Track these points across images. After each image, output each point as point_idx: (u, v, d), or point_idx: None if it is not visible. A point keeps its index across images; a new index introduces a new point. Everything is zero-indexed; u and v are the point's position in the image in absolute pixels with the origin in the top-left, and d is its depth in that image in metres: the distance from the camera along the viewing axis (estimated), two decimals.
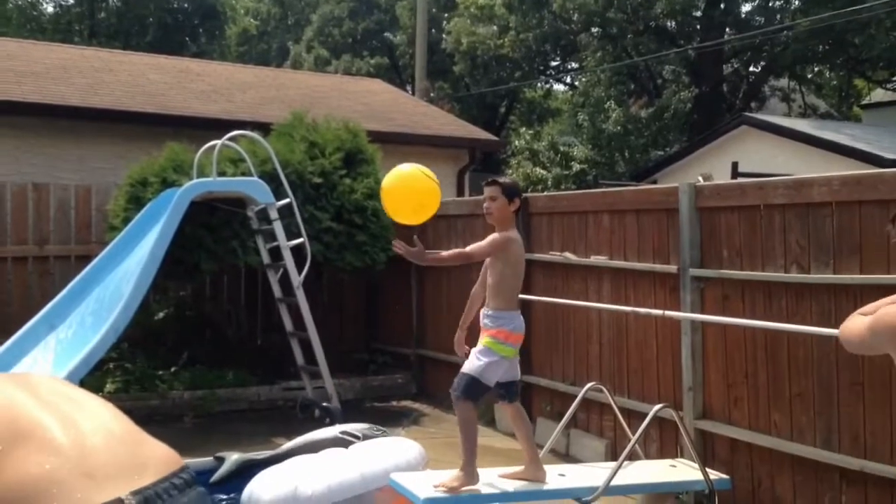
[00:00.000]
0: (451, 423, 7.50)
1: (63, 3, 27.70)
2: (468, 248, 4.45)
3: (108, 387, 7.48)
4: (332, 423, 6.38)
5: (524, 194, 7.78)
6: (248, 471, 5.49)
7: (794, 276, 4.67)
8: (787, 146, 13.59)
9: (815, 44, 19.71)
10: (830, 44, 19.79)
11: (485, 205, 4.53)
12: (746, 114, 17.11)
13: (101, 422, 1.74)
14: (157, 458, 1.72)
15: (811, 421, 4.60)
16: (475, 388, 4.30)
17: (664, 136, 18.31)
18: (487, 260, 4.48)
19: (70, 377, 5.77)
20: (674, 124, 18.35)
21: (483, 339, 4.36)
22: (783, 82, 23.23)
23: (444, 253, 4.53)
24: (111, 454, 1.65)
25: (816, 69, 23.19)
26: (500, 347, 4.33)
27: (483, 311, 4.47)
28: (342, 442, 5.37)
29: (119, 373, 7.81)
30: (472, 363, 4.32)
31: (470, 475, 4.26)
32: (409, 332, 8.69)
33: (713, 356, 5.22)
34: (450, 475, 4.28)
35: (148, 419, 7.25)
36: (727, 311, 5.08)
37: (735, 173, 11.61)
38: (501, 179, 4.57)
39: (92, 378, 7.24)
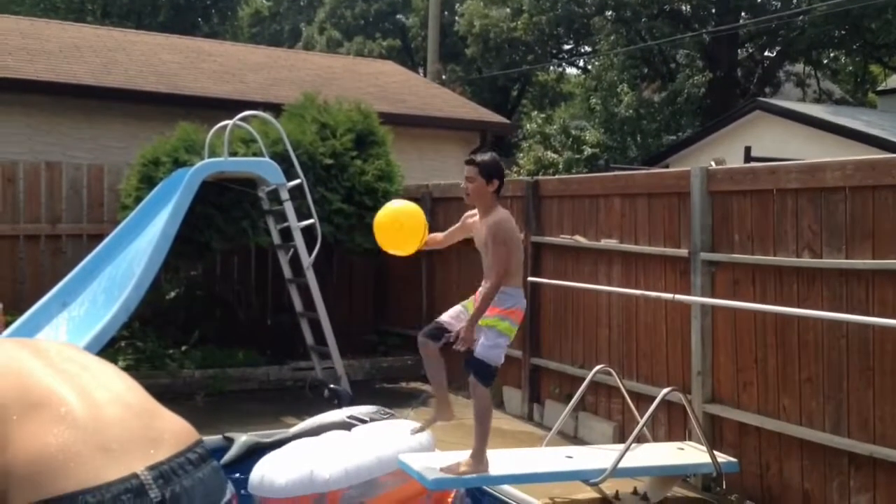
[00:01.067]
0: (459, 406, 7.49)
1: None
2: (495, 273, 4.22)
3: (120, 364, 7.49)
4: (340, 406, 6.41)
5: (535, 177, 7.77)
6: (256, 453, 5.52)
7: (806, 260, 4.65)
8: (802, 131, 13.49)
9: (831, 29, 19.50)
10: (846, 29, 19.59)
11: (462, 184, 4.41)
12: (760, 99, 16.97)
13: (116, 393, 1.74)
14: (173, 432, 1.72)
15: (820, 406, 4.59)
16: (491, 373, 4.30)
17: (677, 121, 18.19)
18: (482, 237, 4.31)
19: None
20: (687, 109, 18.21)
21: (493, 320, 4.25)
22: (798, 67, 23.01)
23: (485, 296, 4.26)
24: (126, 427, 1.64)
25: (832, 54, 22.96)
26: (507, 327, 4.26)
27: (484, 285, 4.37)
28: (349, 426, 5.39)
29: (130, 351, 7.87)
30: (488, 350, 4.23)
31: (480, 461, 4.26)
32: (418, 314, 8.70)
33: (723, 340, 5.21)
34: (459, 459, 4.27)
35: (159, 397, 7.18)
36: (738, 295, 5.06)
37: (748, 158, 11.53)
38: (479, 158, 4.35)
39: (103, 356, 7.25)
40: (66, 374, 1.73)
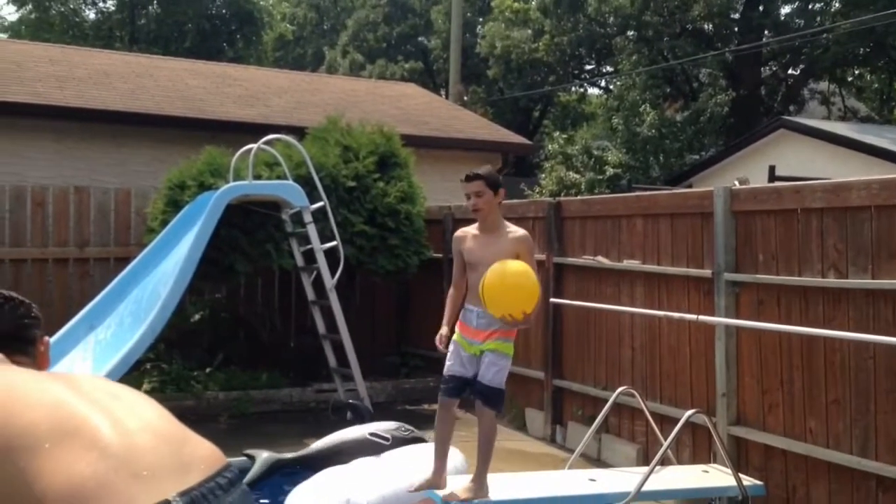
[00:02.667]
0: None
1: (104, 9, 28.19)
2: (538, 287, 4.19)
3: (145, 386, 7.59)
4: (360, 422, 6.40)
5: (557, 198, 7.78)
6: (278, 471, 5.53)
7: (832, 280, 4.61)
8: (827, 150, 13.38)
9: (856, 46, 19.38)
10: (871, 46, 19.45)
11: (471, 202, 4.32)
12: (784, 117, 16.87)
13: (146, 421, 1.76)
14: (202, 458, 1.74)
15: (847, 428, 4.53)
16: (502, 398, 4.29)
17: (700, 140, 18.11)
18: (494, 251, 4.24)
19: (109, 377, 5.88)
20: (710, 128, 18.13)
21: (494, 343, 4.21)
22: (823, 85, 22.86)
23: (533, 313, 4.20)
24: (157, 454, 1.66)
25: (857, 72, 22.80)
26: (508, 347, 4.28)
27: (475, 310, 4.27)
28: (371, 444, 5.37)
29: (156, 373, 7.93)
30: (496, 375, 4.20)
31: (481, 487, 4.21)
32: None
33: (748, 362, 5.16)
34: (461, 486, 4.23)
35: (183, 419, 7.24)
36: (762, 316, 5.02)
37: (772, 177, 11.46)
38: (483, 171, 4.33)
39: (129, 378, 7.36)
40: (97, 404, 1.76)
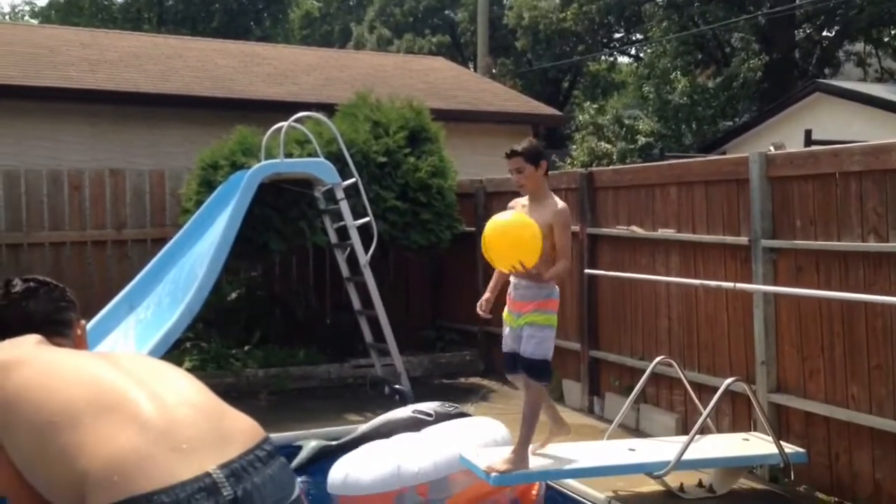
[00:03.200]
0: (519, 399, 7.47)
1: None
2: (565, 255, 4.25)
3: (186, 365, 7.71)
4: (404, 404, 6.44)
5: (588, 168, 7.72)
6: (324, 458, 5.58)
7: (872, 244, 4.53)
8: (864, 112, 13.11)
9: (892, 5, 18.87)
10: None
11: (513, 178, 4.39)
12: (820, 80, 16.54)
13: (185, 395, 1.79)
14: (241, 431, 1.76)
15: (891, 393, 4.47)
16: (546, 369, 4.30)
17: (733, 106, 17.82)
18: (540, 222, 4.23)
19: (151, 355, 5.97)
20: (743, 93, 17.83)
21: (532, 316, 4.25)
22: (858, 46, 22.34)
23: (560, 270, 4.26)
24: (196, 428, 1.69)
25: (893, 32, 22.22)
26: (547, 318, 4.28)
27: (518, 282, 4.31)
28: (416, 421, 5.40)
29: (195, 352, 8.05)
30: (537, 347, 4.23)
31: (522, 458, 4.21)
32: (475, 309, 8.69)
33: (787, 329, 5.11)
34: (501, 457, 4.24)
35: (224, 396, 7.32)
36: (801, 282, 4.96)
37: (808, 142, 11.26)
38: (520, 147, 4.36)
39: (170, 357, 7.47)
40: (136, 379, 1.78)
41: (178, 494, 1.53)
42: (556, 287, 4.37)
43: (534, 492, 4.53)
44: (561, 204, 4.35)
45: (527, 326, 4.26)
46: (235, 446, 1.70)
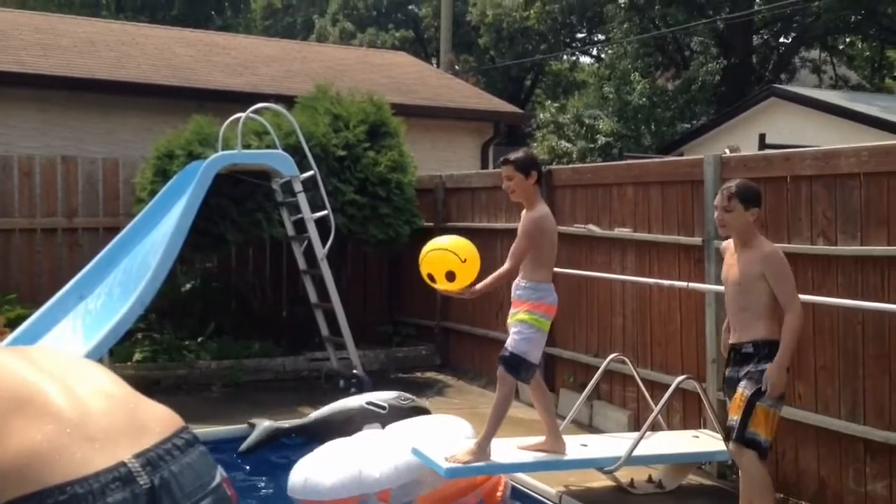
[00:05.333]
0: (475, 395, 7.55)
1: None
2: (511, 258, 4.34)
3: (137, 356, 7.60)
4: (360, 392, 6.42)
5: (547, 167, 7.76)
6: (276, 439, 5.54)
7: (821, 247, 4.63)
8: (817, 118, 13.38)
9: (847, 14, 19.31)
10: (862, 14, 19.39)
11: (503, 185, 4.52)
12: (775, 85, 16.84)
13: (99, 387, 1.76)
14: (157, 420, 1.74)
15: (836, 393, 4.57)
16: (524, 367, 4.32)
17: (691, 109, 18.06)
18: (520, 231, 4.42)
19: (99, 347, 5.88)
20: (701, 97, 18.08)
21: (521, 314, 4.34)
22: (814, 53, 22.81)
23: (491, 280, 4.39)
24: (111, 418, 1.66)
25: (848, 40, 22.74)
26: (542, 322, 4.36)
27: (518, 282, 4.45)
28: (369, 413, 5.38)
29: (147, 343, 7.92)
30: (518, 341, 4.30)
31: (484, 451, 4.26)
32: (432, 304, 8.72)
33: None
34: (463, 448, 4.27)
35: (176, 388, 7.36)
36: None
37: (763, 145, 11.46)
38: (513, 156, 4.49)
39: (120, 348, 7.37)
40: (48, 373, 1.76)
41: (92, 485, 1.51)
42: (552, 294, 4.44)
43: (499, 493, 4.55)
44: (537, 212, 4.41)
45: (517, 323, 4.35)
46: (151, 435, 1.68)
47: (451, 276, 4.23)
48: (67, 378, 1.74)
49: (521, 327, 4.33)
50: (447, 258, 4.22)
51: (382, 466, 4.21)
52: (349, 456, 4.33)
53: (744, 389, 3.88)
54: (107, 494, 1.51)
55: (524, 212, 4.51)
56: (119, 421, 1.67)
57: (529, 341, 4.31)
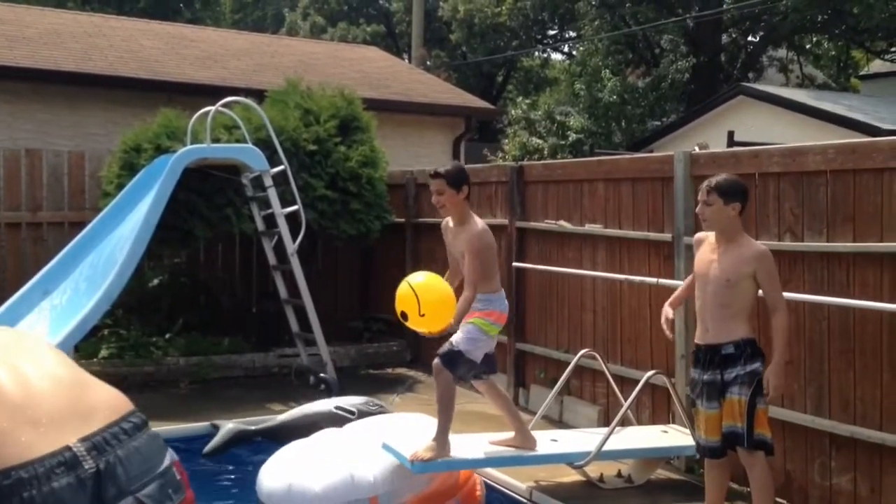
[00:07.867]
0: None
1: None
2: (470, 284, 4.32)
3: (103, 352, 7.49)
4: (329, 395, 6.39)
5: (519, 163, 7.77)
6: (241, 442, 5.46)
7: (788, 244, 4.68)
8: (785, 116, 13.54)
9: (814, 14, 19.53)
10: (829, 14, 19.62)
11: (433, 199, 4.51)
12: (744, 84, 17.01)
13: (46, 368, 1.72)
14: (105, 403, 1.70)
15: (802, 388, 4.63)
16: (461, 362, 4.33)
17: (661, 106, 18.17)
18: (459, 247, 4.47)
19: (64, 343, 5.78)
20: (671, 94, 18.20)
21: (471, 318, 4.37)
22: (781, 52, 23.05)
23: (461, 304, 4.31)
24: (57, 401, 1.62)
25: (815, 39, 23.02)
26: (490, 327, 4.41)
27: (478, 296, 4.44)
28: (337, 417, 5.32)
29: (114, 339, 7.81)
30: (462, 339, 4.33)
31: (443, 445, 4.27)
32: None
33: None
34: (423, 445, 4.26)
35: (143, 385, 7.27)
36: None
37: (731, 143, 11.58)
38: (444, 169, 4.47)
39: (87, 344, 7.26)
40: None
41: (36, 469, 1.48)
42: (503, 302, 4.48)
43: (478, 493, 4.55)
44: (476, 228, 4.41)
45: (466, 324, 4.37)
46: (98, 419, 1.65)
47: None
48: (15, 359, 1.69)
49: (469, 327, 4.37)
50: (410, 301, 4.17)
51: (375, 470, 4.14)
52: (335, 460, 4.20)
53: (741, 397, 3.89)
54: (52, 479, 1.48)
55: (457, 224, 4.51)
56: (65, 404, 1.63)
57: (475, 342, 4.35)
